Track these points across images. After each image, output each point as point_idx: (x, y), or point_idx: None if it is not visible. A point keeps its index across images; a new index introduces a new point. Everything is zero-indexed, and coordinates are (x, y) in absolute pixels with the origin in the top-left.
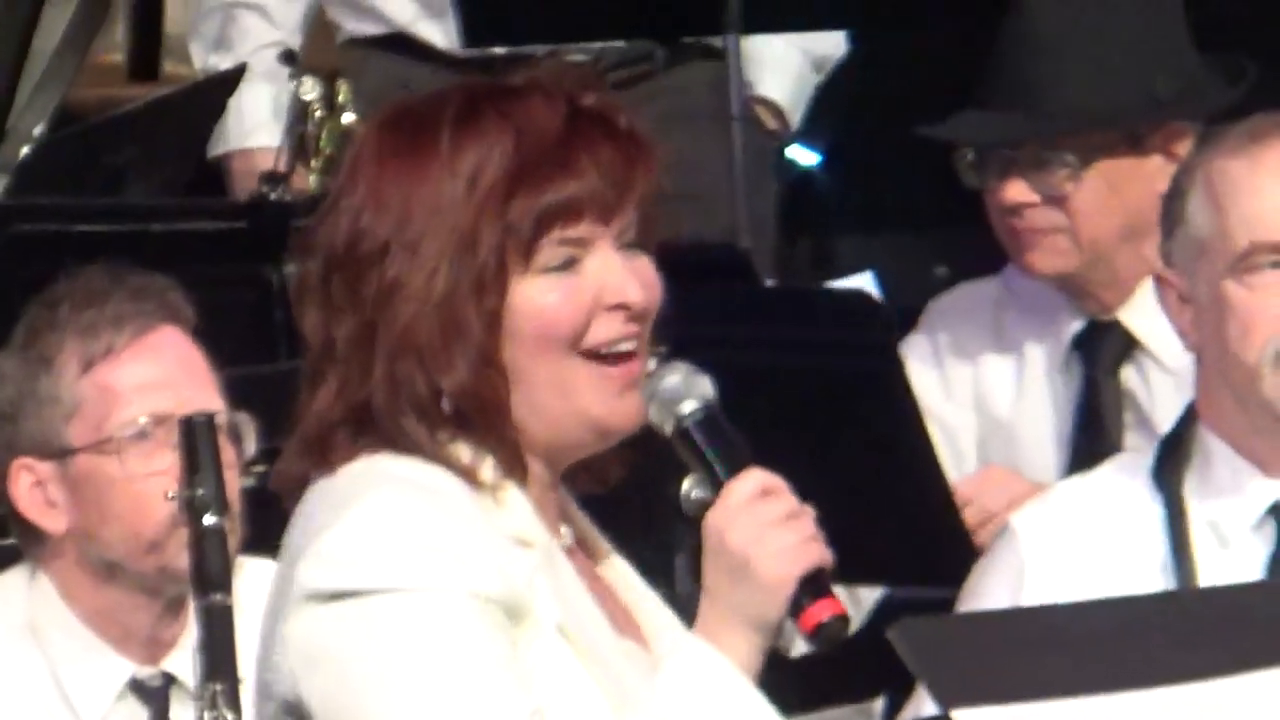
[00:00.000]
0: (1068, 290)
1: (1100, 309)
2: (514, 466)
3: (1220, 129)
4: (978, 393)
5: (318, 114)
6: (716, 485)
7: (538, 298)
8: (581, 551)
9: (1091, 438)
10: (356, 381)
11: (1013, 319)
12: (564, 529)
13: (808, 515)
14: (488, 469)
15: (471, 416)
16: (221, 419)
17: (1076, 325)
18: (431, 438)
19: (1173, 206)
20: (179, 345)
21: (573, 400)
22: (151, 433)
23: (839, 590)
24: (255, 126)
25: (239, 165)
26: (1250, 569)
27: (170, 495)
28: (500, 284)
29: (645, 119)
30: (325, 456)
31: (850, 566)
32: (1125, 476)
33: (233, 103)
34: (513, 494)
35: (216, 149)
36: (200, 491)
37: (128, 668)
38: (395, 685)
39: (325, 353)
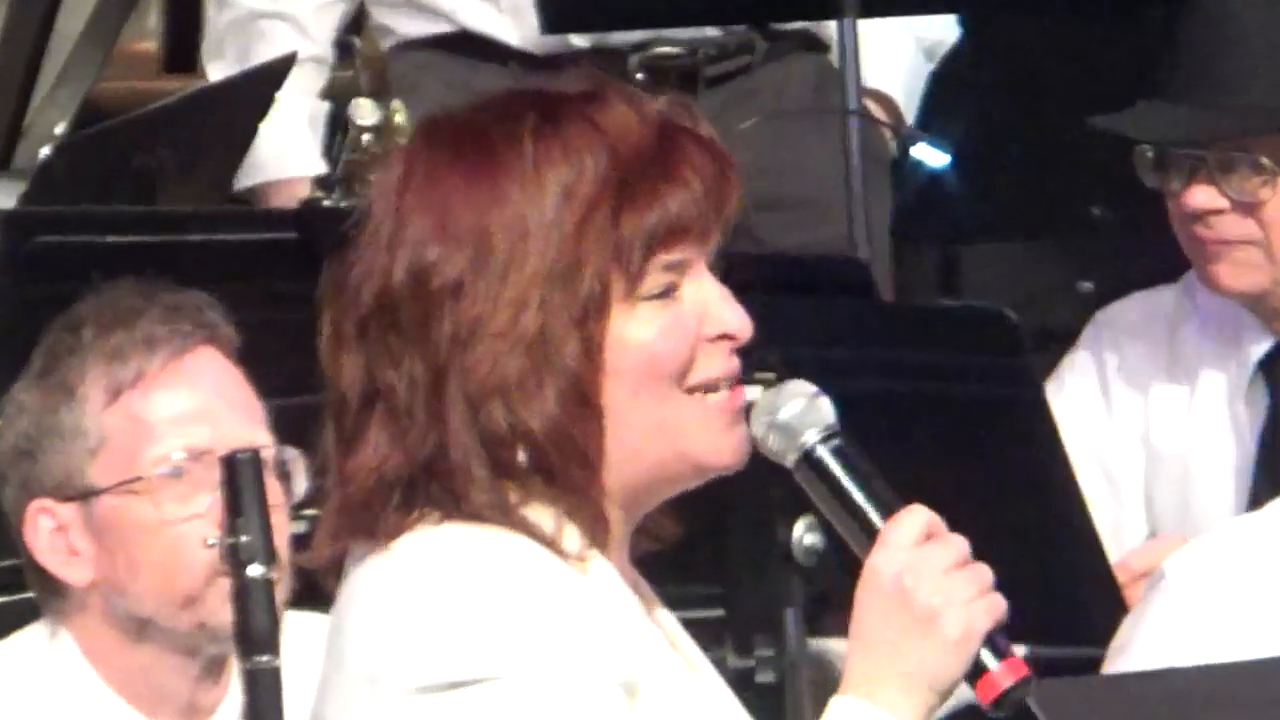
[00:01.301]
0: (1256, 309)
1: None
2: (598, 530)
3: None
4: (1147, 422)
5: (366, 139)
6: (860, 523)
7: (640, 331)
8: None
9: (1277, 477)
10: (422, 435)
11: (1190, 336)
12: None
13: (980, 562)
14: (571, 537)
15: (556, 467)
16: (268, 455)
17: (1264, 346)
18: (504, 499)
19: None
20: (218, 370)
21: (676, 440)
22: (188, 470)
23: None
24: (293, 152)
25: (276, 198)
26: None
27: (210, 542)
28: (603, 314)
29: (743, 117)
30: (372, 528)
31: None
32: None
33: (263, 128)
34: (598, 563)
35: (245, 180)
36: (244, 538)
37: None
38: None
39: (367, 406)
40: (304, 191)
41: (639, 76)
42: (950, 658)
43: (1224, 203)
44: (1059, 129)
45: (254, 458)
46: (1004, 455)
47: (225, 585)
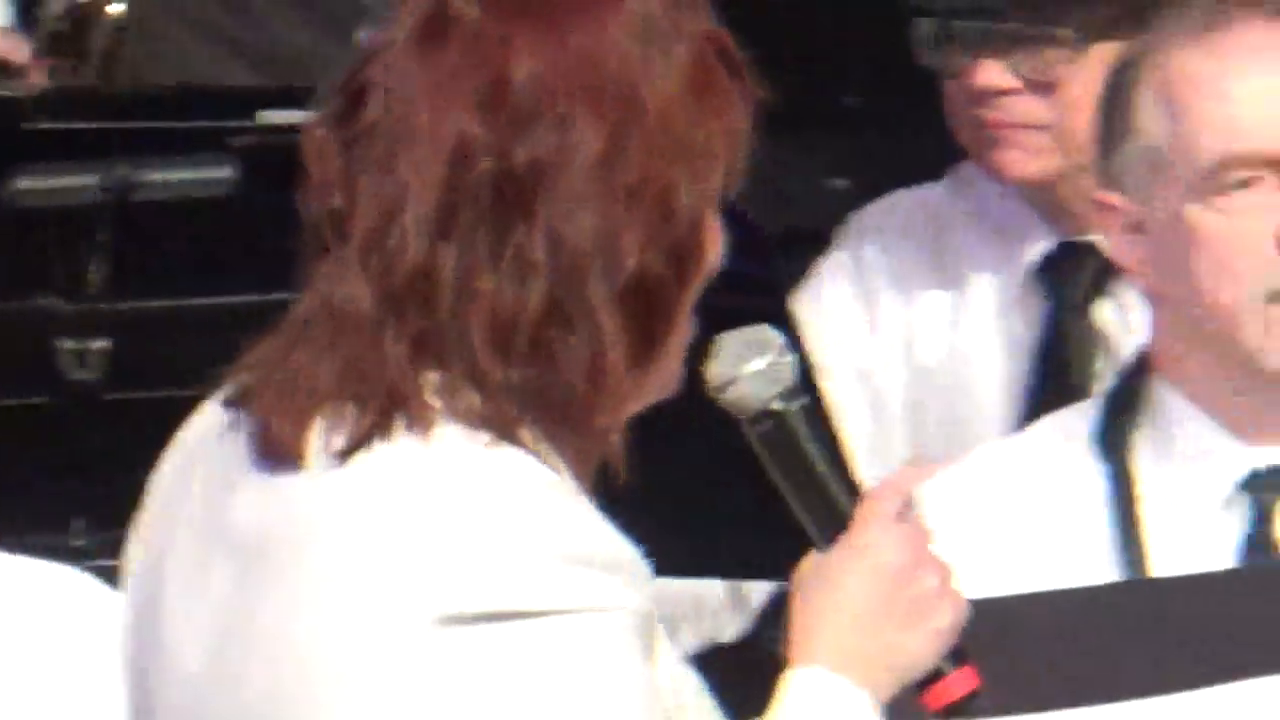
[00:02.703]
0: (1040, 203)
1: (1075, 229)
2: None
3: (1173, 11)
4: (911, 332)
5: None
6: (826, 494)
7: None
8: None
9: (1052, 391)
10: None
11: (959, 239)
12: None
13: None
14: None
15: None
16: None
17: (1043, 247)
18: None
19: (1115, 113)
20: None
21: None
22: None
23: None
24: None
25: None
26: (1218, 554)
27: None
28: None
29: None
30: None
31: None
32: (1061, 439)
33: None
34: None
35: None
36: None
37: None
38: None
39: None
40: None
41: None
42: (931, 646)
43: (1016, 81)
44: (801, 5)
45: None
46: None
47: None
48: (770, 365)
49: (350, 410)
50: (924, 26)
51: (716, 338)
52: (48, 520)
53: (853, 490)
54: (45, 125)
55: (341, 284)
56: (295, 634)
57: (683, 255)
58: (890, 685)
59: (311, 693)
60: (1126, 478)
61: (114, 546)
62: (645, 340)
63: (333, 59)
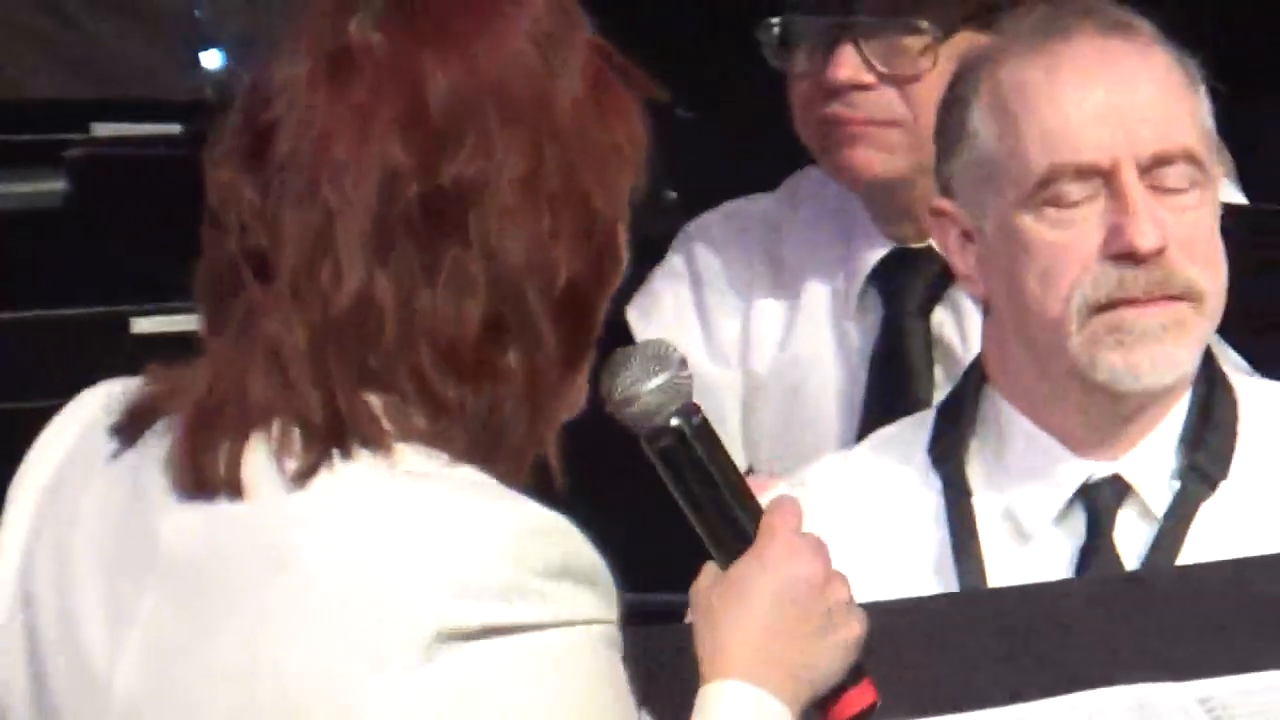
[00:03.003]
0: (885, 206)
1: (917, 234)
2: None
3: (1013, 21)
4: (746, 342)
5: None
6: (725, 510)
7: None
8: None
9: (892, 400)
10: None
11: (792, 247)
12: None
13: None
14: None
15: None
16: None
17: (880, 253)
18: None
19: (951, 120)
20: None
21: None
22: None
23: None
24: None
25: None
26: (1053, 567)
27: None
28: None
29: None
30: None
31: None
32: (894, 454)
33: None
34: None
35: None
36: None
37: None
38: None
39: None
40: None
41: None
42: (842, 658)
43: (870, 77)
44: (631, 15)
45: None
46: None
47: None
48: (670, 381)
49: (296, 434)
50: (775, 25)
51: (614, 352)
52: None
53: (752, 504)
54: None
55: (269, 319)
56: (270, 654)
57: (603, 261)
58: (804, 698)
59: (294, 713)
60: (962, 490)
61: None
62: (576, 350)
63: (162, 71)
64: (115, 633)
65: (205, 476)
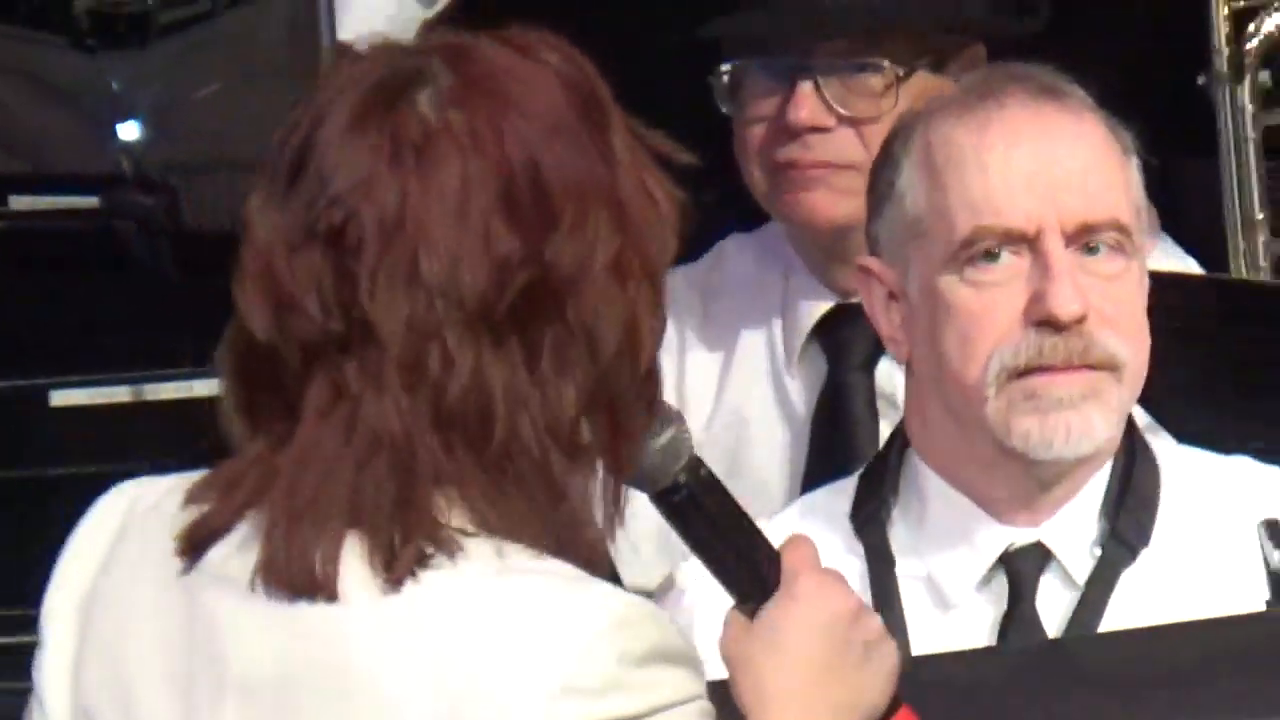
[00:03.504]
0: (832, 250)
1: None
2: None
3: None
4: (683, 403)
5: None
6: (744, 555)
7: None
8: None
9: (832, 458)
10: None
11: (726, 307)
12: None
13: None
14: None
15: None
16: None
17: (821, 307)
18: None
19: (881, 178)
20: None
21: None
22: None
23: None
24: None
25: None
26: (976, 634)
27: None
28: None
29: (202, 69)
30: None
31: None
32: (818, 519)
33: None
34: None
35: None
36: None
37: None
38: None
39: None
40: None
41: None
42: (883, 687)
43: (831, 119)
44: None
45: None
46: None
47: None
48: (673, 438)
49: (394, 534)
50: (725, 72)
51: None
52: None
53: (766, 547)
54: None
55: (371, 407)
56: None
57: (659, 329)
58: None
59: None
60: (884, 559)
61: None
62: (646, 425)
63: (79, 144)
64: None
65: (297, 581)
